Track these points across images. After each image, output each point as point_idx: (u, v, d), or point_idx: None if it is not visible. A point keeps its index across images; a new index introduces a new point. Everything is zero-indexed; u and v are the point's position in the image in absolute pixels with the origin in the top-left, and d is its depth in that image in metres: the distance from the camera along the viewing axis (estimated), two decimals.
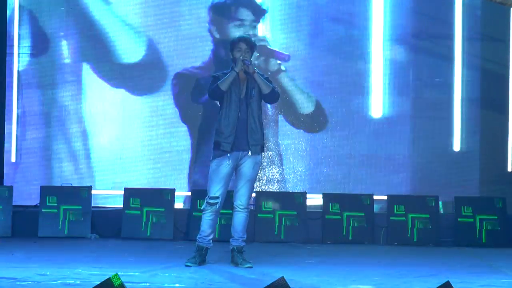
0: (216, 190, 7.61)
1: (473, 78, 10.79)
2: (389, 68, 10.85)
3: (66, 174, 10.72)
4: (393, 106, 10.82)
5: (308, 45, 10.81)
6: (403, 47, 10.82)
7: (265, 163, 10.70)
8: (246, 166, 7.65)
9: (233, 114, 7.61)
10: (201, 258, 7.69)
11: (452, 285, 4.84)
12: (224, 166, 7.60)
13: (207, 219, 7.66)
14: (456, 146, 10.78)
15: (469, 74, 10.78)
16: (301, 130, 10.85)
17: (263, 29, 10.80)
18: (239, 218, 7.70)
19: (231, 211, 7.86)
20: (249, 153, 7.63)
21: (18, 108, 10.80)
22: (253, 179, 7.73)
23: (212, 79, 7.77)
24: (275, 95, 7.75)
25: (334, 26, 10.80)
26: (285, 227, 10.07)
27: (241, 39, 7.75)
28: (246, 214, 7.73)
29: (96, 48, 10.82)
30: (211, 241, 7.77)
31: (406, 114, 10.81)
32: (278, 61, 10.77)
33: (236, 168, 7.68)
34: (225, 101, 7.65)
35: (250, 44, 7.71)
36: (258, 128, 7.68)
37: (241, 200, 7.68)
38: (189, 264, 7.63)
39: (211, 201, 7.62)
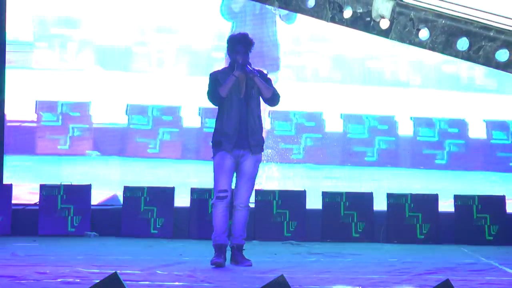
0: (223, 183, 7.55)
1: None
2: None
3: (66, 173, 10.71)
4: None
5: None
6: None
7: (264, 161, 10.68)
8: (248, 164, 7.60)
9: (235, 115, 7.55)
10: (223, 255, 7.57)
11: (452, 283, 4.84)
12: (228, 159, 7.56)
13: (219, 214, 7.54)
14: None
15: None
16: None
17: None
18: (240, 217, 7.65)
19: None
20: (250, 154, 7.59)
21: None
22: (254, 177, 7.67)
23: (210, 80, 7.71)
24: (276, 98, 7.71)
25: None
26: (285, 225, 10.06)
27: (238, 41, 7.65)
28: (247, 212, 7.69)
29: None
30: (227, 238, 7.62)
31: None
32: None
33: (237, 166, 7.63)
34: (226, 102, 7.58)
35: (248, 45, 7.63)
36: (259, 127, 7.65)
37: (241, 198, 7.64)
38: (215, 261, 7.49)
39: (221, 194, 7.54)
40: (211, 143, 7.73)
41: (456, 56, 5.49)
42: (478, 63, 5.44)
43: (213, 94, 7.63)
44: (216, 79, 7.65)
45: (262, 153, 7.85)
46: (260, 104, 7.73)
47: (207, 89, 7.70)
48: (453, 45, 5.46)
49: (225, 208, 7.57)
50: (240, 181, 7.65)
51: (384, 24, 5.53)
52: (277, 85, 8.11)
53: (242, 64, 7.51)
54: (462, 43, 5.43)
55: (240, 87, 7.61)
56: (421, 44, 5.52)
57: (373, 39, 10.75)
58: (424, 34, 5.49)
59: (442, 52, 5.47)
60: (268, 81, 7.70)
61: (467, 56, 5.47)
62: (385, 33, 5.55)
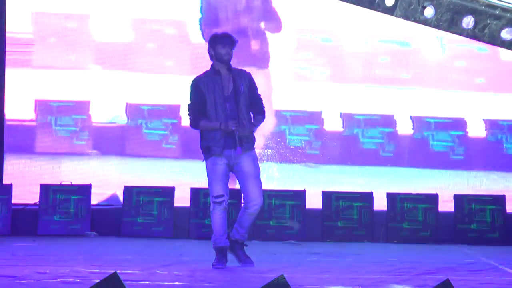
0: (218, 188, 7.43)
1: None
2: None
3: (66, 172, 10.71)
4: None
5: None
6: None
7: (264, 160, 10.68)
8: (247, 164, 7.46)
9: (219, 117, 7.43)
10: (225, 257, 7.51)
11: (452, 283, 4.83)
12: (220, 164, 7.45)
13: (218, 217, 7.45)
14: None
15: None
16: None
17: None
18: (250, 219, 7.54)
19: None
20: (242, 151, 7.47)
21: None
22: (259, 176, 7.48)
23: (192, 91, 7.52)
24: (264, 118, 7.75)
25: None
26: (285, 225, 10.06)
27: (223, 35, 7.53)
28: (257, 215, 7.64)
29: None
30: (227, 240, 7.56)
31: None
32: None
33: (232, 167, 7.53)
34: (209, 103, 7.43)
35: (233, 40, 7.49)
36: (249, 124, 7.55)
37: (257, 200, 7.46)
38: (217, 266, 7.42)
39: (218, 199, 7.43)
40: (200, 148, 7.59)
41: (461, 34, 5.47)
42: (483, 41, 5.42)
43: (192, 120, 7.53)
44: (199, 90, 7.47)
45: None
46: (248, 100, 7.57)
47: (189, 100, 7.55)
48: (458, 23, 5.43)
49: (223, 211, 7.48)
50: (247, 183, 7.49)
51: (389, 1, 5.49)
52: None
53: (234, 130, 7.37)
54: (468, 21, 5.41)
55: (225, 84, 7.45)
56: (426, 22, 5.48)
57: (373, 39, 10.80)
58: (429, 11, 5.45)
59: (447, 30, 5.44)
60: (258, 100, 7.64)
61: (472, 34, 5.44)
62: (390, 11, 5.50)
